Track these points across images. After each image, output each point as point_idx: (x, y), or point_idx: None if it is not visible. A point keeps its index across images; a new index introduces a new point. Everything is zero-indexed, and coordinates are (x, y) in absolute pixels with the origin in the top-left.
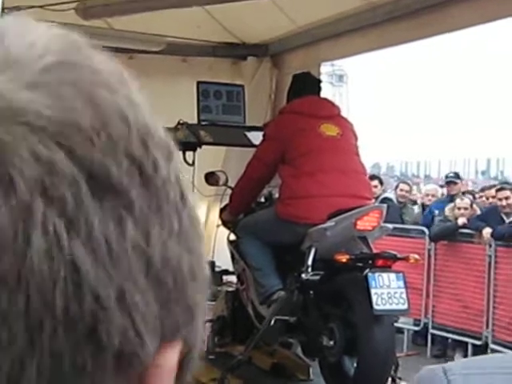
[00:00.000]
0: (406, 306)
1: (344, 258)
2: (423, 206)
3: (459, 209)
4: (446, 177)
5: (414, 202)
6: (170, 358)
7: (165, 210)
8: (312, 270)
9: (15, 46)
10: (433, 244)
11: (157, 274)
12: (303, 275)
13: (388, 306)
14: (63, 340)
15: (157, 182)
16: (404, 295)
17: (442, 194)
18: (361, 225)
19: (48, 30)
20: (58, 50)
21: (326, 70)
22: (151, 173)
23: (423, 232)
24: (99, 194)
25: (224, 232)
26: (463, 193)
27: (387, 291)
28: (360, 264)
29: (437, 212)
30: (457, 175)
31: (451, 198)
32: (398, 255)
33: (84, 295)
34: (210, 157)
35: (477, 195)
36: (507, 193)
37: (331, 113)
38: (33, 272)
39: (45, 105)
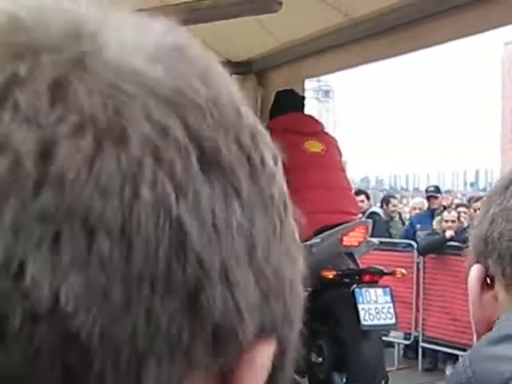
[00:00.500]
0: (393, 321)
1: (331, 274)
2: (402, 220)
3: (447, 221)
4: (427, 191)
5: (399, 216)
6: (266, 354)
7: (270, 209)
8: None
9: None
10: (421, 257)
11: (259, 263)
12: None
13: (376, 321)
14: (161, 303)
15: (264, 178)
16: (391, 310)
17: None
18: (347, 241)
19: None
20: (174, 37)
21: (311, 86)
22: (259, 167)
23: (411, 245)
24: (208, 169)
25: None
26: (457, 206)
27: (374, 306)
28: (347, 280)
29: (418, 226)
30: (437, 189)
31: (432, 213)
32: (385, 270)
33: (188, 258)
34: None
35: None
36: None
37: (315, 129)
38: (138, 225)
39: (164, 75)
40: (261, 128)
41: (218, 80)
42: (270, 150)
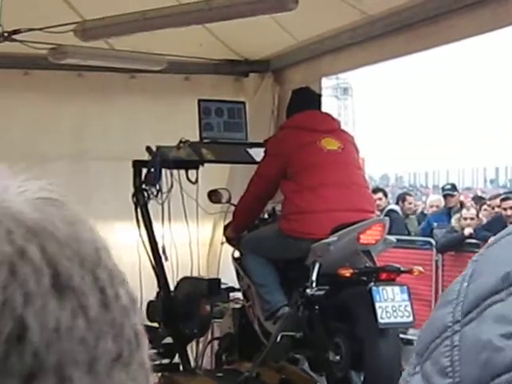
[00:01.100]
0: (410, 319)
1: (348, 273)
2: (418, 218)
3: (465, 219)
4: (443, 189)
5: (422, 213)
6: None
7: (119, 336)
8: (316, 285)
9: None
10: (440, 255)
11: (99, 375)
12: (308, 290)
13: (393, 319)
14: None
15: (116, 310)
16: (409, 308)
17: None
18: (364, 239)
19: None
20: (48, 192)
21: (330, 84)
22: (112, 299)
23: (430, 243)
24: (60, 289)
25: (229, 249)
26: (477, 198)
27: (391, 304)
28: (364, 278)
29: (435, 224)
30: (453, 187)
31: (449, 211)
32: (402, 268)
33: (26, 349)
34: (215, 174)
35: (488, 202)
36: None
37: (331, 127)
38: None
39: (31, 212)
40: (119, 271)
41: (82, 225)
42: (127, 291)
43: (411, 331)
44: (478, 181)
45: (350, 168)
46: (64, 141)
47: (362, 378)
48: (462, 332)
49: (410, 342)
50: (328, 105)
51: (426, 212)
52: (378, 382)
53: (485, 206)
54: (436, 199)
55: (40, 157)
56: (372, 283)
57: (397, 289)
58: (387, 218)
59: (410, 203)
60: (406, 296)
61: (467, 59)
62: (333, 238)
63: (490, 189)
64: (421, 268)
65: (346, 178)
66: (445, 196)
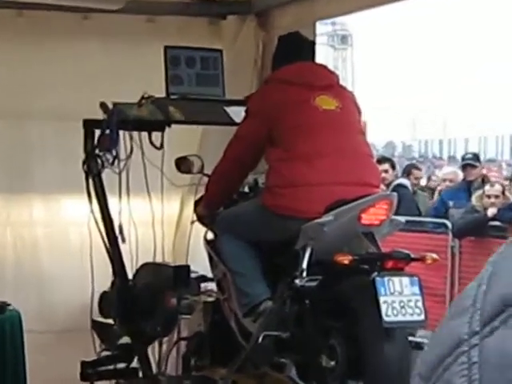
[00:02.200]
0: (422, 317)
1: (346, 260)
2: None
3: (489, 197)
4: (463, 159)
5: (432, 190)
6: None
7: None
8: (307, 275)
9: None
10: (457, 240)
11: None
12: (297, 281)
13: (400, 317)
14: None
15: None
16: (420, 303)
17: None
18: (366, 218)
19: None
20: None
21: (325, 30)
22: None
23: (445, 226)
24: None
25: (200, 230)
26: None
27: (399, 299)
28: (366, 266)
29: (451, 203)
30: (476, 157)
31: (468, 186)
32: (412, 255)
33: None
34: (183, 138)
35: None
36: None
37: (328, 82)
38: None
39: None
40: None
41: None
42: None
43: (421, 333)
44: (503, 151)
45: (350, 132)
46: None
47: None
48: (481, 345)
49: (419, 347)
50: (322, 56)
51: (438, 188)
52: None
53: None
54: (450, 171)
55: None
56: (376, 273)
57: (406, 280)
58: (395, 194)
59: (417, 178)
60: (416, 289)
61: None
62: (328, 218)
63: None
64: (435, 255)
65: (346, 145)
66: (464, 167)
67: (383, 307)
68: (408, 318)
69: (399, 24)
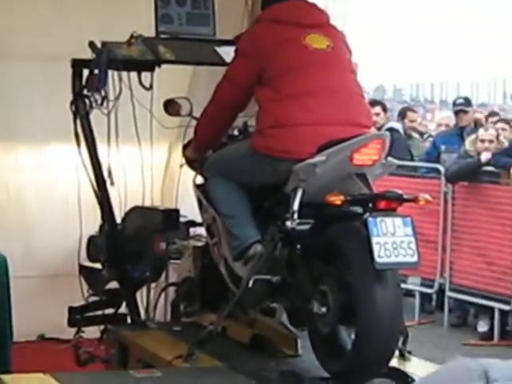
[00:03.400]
0: (415, 259)
1: (338, 200)
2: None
3: (483, 141)
4: (454, 104)
5: (421, 134)
6: None
7: None
8: (299, 218)
9: None
10: (450, 185)
11: None
12: (288, 224)
13: (393, 259)
14: None
15: None
16: (413, 245)
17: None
18: (358, 159)
19: None
20: None
21: None
22: None
23: (437, 171)
24: None
25: (189, 173)
26: (496, 121)
27: (392, 240)
28: (358, 207)
29: (443, 147)
30: (467, 101)
31: (460, 131)
32: (405, 196)
33: None
34: (172, 79)
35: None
36: None
37: (319, 20)
38: None
39: None
40: None
41: None
42: None
43: (411, 280)
44: (495, 96)
45: (341, 71)
46: None
47: (353, 335)
48: None
49: (409, 294)
50: None
51: (432, 133)
52: (373, 339)
53: (505, 125)
54: (446, 116)
55: None
56: (368, 213)
57: (398, 220)
58: (388, 134)
59: (413, 121)
60: (409, 230)
61: None
62: (320, 158)
63: (510, 106)
64: (428, 196)
65: (337, 84)
66: (456, 112)
67: (376, 248)
68: (401, 259)
69: None
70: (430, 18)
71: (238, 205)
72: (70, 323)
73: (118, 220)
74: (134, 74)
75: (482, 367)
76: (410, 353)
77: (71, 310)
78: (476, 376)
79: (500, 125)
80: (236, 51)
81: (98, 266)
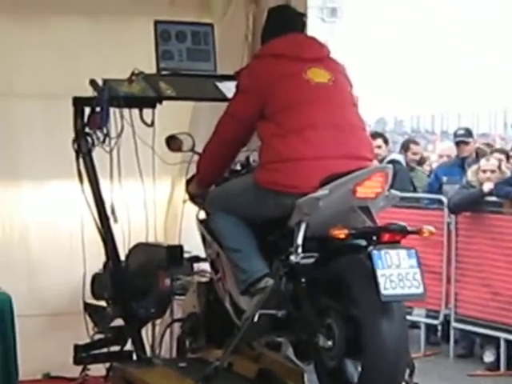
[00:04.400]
0: (421, 290)
1: (342, 234)
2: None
3: (484, 172)
4: (455, 135)
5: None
6: None
7: None
8: (303, 252)
9: None
10: (453, 216)
11: None
12: (292, 258)
13: (399, 291)
14: None
15: None
16: (418, 276)
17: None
18: (361, 192)
19: None
20: None
21: (315, 3)
22: None
23: (440, 202)
24: None
25: (192, 209)
26: (492, 152)
27: (397, 272)
28: (362, 241)
29: (445, 179)
30: (468, 132)
31: (462, 162)
32: (409, 228)
33: None
34: (173, 115)
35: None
36: None
37: (319, 54)
38: None
39: None
40: None
41: None
42: None
43: (417, 311)
44: (496, 125)
45: (342, 105)
46: None
47: (360, 368)
48: None
49: (415, 325)
50: (312, 30)
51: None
52: (380, 372)
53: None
54: (448, 147)
55: None
56: (372, 246)
57: (403, 253)
58: (390, 167)
59: (416, 153)
60: (414, 262)
61: None
62: (323, 192)
63: (510, 135)
64: (432, 228)
65: (339, 118)
66: (457, 143)
67: (381, 280)
68: (406, 290)
69: None
70: (430, 51)
71: (244, 238)
72: (76, 361)
73: (122, 257)
74: (135, 111)
75: None
76: None
77: (77, 347)
78: None
79: (496, 155)
80: (237, 86)
81: (102, 303)
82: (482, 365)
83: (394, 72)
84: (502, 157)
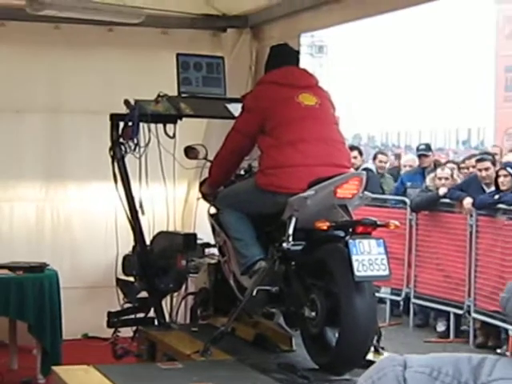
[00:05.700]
0: (387, 272)
1: (324, 226)
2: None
3: (440, 179)
4: (417, 149)
5: (391, 173)
6: None
7: None
8: (293, 240)
9: None
10: (414, 214)
11: None
12: (284, 245)
13: (369, 272)
14: None
15: None
16: (385, 261)
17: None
18: (341, 193)
19: None
20: None
21: (305, 41)
22: None
23: (404, 202)
24: None
25: (204, 205)
26: (446, 162)
27: (368, 257)
28: (340, 232)
29: (409, 184)
30: (428, 147)
31: (423, 171)
32: (378, 222)
33: None
34: (191, 129)
35: (462, 164)
36: (487, 164)
37: (309, 83)
38: None
39: None
40: None
41: None
42: None
43: (383, 289)
44: (450, 142)
45: (327, 123)
46: (40, 94)
47: (337, 335)
48: None
49: (382, 301)
50: (303, 62)
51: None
52: (353, 338)
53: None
54: (410, 159)
55: (15, 110)
56: (349, 236)
57: (373, 242)
58: (364, 173)
59: (381, 161)
60: (382, 249)
61: (442, 21)
62: (310, 192)
63: (462, 150)
64: (397, 222)
65: (324, 133)
66: (419, 156)
67: (355, 264)
68: (375, 272)
69: (368, 36)
70: (397, 81)
71: (245, 230)
72: (109, 325)
73: (148, 242)
74: (160, 126)
75: (403, 358)
76: (382, 348)
77: (110, 314)
78: (397, 363)
79: (450, 165)
80: (243, 107)
81: (131, 279)
82: (435, 333)
83: (368, 96)
84: (454, 167)
